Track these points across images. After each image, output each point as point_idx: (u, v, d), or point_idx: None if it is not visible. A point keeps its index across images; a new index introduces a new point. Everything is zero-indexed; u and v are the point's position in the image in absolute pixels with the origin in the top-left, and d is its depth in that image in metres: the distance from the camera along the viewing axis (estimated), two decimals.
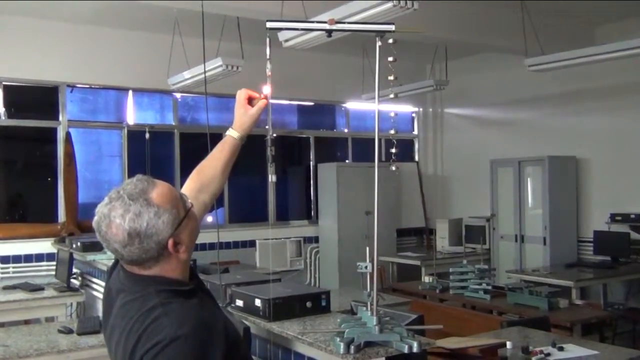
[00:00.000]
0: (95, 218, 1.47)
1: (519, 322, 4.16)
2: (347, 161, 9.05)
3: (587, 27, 7.33)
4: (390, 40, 2.33)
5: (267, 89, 2.00)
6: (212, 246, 7.27)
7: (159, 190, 1.49)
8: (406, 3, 4.16)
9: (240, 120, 1.97)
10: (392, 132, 2.65)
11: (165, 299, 1.42)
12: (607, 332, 5.36)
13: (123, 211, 1.43)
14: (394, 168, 2.70)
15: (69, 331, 3.78)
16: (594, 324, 4.98)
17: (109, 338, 1.53)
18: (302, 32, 4.58)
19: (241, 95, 1.98)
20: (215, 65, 5.86)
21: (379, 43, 2.36)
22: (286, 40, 5.03)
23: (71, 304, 5.59)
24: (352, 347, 2.33)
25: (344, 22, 2.37)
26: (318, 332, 2.61)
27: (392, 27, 2.26)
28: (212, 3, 5.01)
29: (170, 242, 1.46)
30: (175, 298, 1.44)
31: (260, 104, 1.96)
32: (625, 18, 6.98)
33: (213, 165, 1.95)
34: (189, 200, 1.58)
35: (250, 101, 1.97)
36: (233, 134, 1.97)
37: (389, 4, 4.14)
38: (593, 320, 4.92)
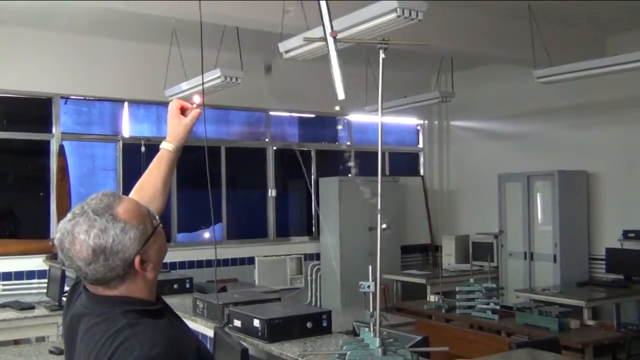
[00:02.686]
0: (58, 235, 1.42)
1: (528, 344, 4.07)
2: (349, 175, 8.90)
3: (598, 37, 7.28)
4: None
5: (197, 98, 1.98)
6: (209, 263, 7.21)
7: (125, 205, 1.45)
8: (411, 14, 4.12)
9: (175, 131, 1.94)
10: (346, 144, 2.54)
11: (134, 319, 1.38)
12: (620, 354, 5.30)
13: (87, 227, 1.38)
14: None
15: (61, 352, 3.64)
16: (607, 346, 4.94)
17: (76, 351, 1.45)
18: (303, 42, 4.48)
19: (173, 105, 1.95)
20: (213, 76, 5.81)
21: (382, 55, 2.34)
22: (287, 51, 4.94)
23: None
24: None
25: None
26: (319, 354, 2.62)
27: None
28: (211, 13, 4.98)
29: (137, 259, 1.41)
30: (143, 318, 1.40)
31: (194, 113, 1.94)
32: (638, 27, 6.91)
33: (152, 183, 1.90)
34: (157, 217, 1.53)
35: (184, 111, 1.95)
36: (168, 146, 1.93)
37: (393, 15, 4.10)
38: (605, 341, 4.91)
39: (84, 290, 1.48)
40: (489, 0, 5.95)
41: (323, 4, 2.90)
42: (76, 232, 1.38)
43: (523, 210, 7.71)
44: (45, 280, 6.01)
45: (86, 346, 1.40)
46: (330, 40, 2.78)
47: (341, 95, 2.75)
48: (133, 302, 1.43)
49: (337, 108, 2.80)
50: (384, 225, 2.33)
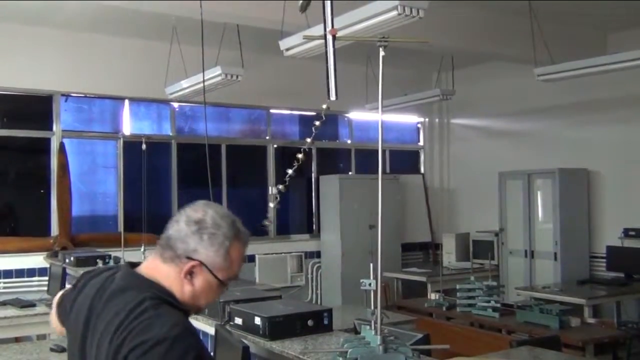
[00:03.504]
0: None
1: (528, 342, 4.09)
2: (350, 173, 8.90)
3: (599, 35, 7.27)
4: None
5: None
6: None
7: (242, 249, 1.59)
8: (411, 11, 4.11)
9: None
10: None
11: (158, 304, 1.46)
12: (620, 352, 5.29)
13: (215, 211, 1.56)
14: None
15: (62, 349, 3.66)
16: (607, 344, 4.95)
17: (91, 326, 1.53)
18: (303, 40, 4.45)
19: None
20: (214, 74, 5.81)
21: (382, 53, 2.31)
22: (287, 49, 4.92)
23: None
24: None
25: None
26: (320, 352, 2.58)
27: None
28: (211, 11, 4.94)
29: (193, 264, 1.52)
30: (167, 306, 1.48)
31: None
32: (639, 25, 6.88)
33: None
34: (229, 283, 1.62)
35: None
36: None
37: (394, 13, 4.09)
38: (606, 339, 4.90)
39: (126, 265, 1.61)
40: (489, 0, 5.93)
41: (327, 2, 2.88)
42: (210, 211, 1.57)
43: (524, 208, 7.69)
44: (46, 278, 5.99)
45: (109, 311, 1.48)
46: (329, 38, 2.77)
47: (333, 96, 2.74)
48: (166, 293, 1.51)
49: (325, 107, 2.78)
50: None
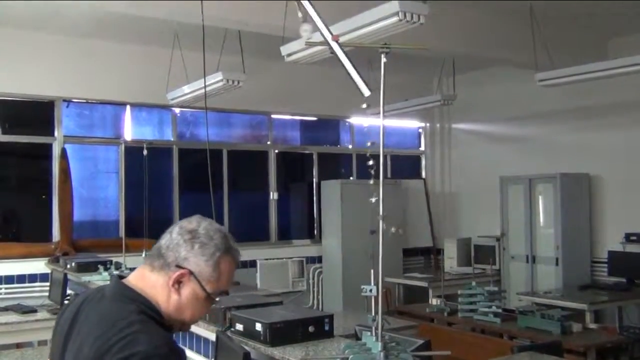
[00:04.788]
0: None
1: (530, 347, 4.06)
2: (351, 178, 8.89)
3: (599, 40, 7.26)
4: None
5: None
6: None
7: (232, 265, 1.60)
8: (412, 17, 4.11)
9: None
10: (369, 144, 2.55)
11: (146, 319, 1.46)
12: (622, 357, 5.22)
13: (208, 224, 1.58)
14: None
15: None
16: (609, 349, 4.89)
17: (75, 330, 1.53)
18: (305, 46, 4.48)
19: None
20: (215, 79, 5.82)
21: (384, 59, 2.35)
22: (289, 55, 4.92)
23: None
24: None
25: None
26: (321, 358, 2.58)
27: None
28: (213, 16, 4.95)
29: (181, 272, 1.51)
30: (154, 324, 1.47)
31: None
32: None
33: None
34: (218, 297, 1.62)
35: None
36: None
37: (395, 18, 4.10)
38: (608, 345, 4.87)
39: (116, 278, 1.59)
40: (490, 1, 5.92)
41: (314, 13, 2.89)
42: (202, 223, 1.59)
43: (525, 213, 7.68)
44: (48, 284, 5.97)
45: (92, 318, 1.48)
46: (334, 45, 2.78)
47: (366, 91, 2.75)
48: (150, 307, 1.50)
49: (364, 106, 2.78)
50: (393, 229, 2.32)
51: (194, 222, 1.58)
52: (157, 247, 1.56)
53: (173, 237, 1.55)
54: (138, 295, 1.51)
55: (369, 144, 2.67)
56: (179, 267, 1.52)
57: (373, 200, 2.48)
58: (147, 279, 1.55)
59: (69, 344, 1.52)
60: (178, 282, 1.52)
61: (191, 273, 1.52)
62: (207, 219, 1.61)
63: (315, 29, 3.06)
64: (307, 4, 2.90)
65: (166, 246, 1.54)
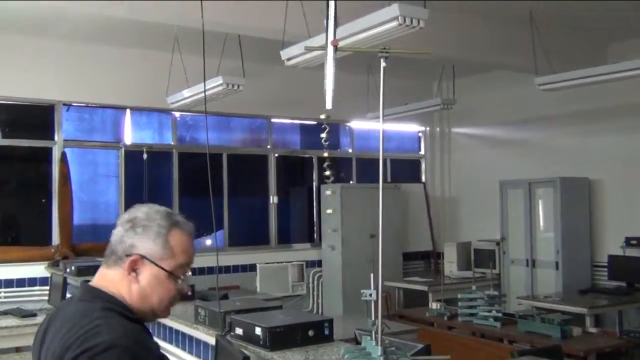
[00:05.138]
0: None
1: (530, 352, 4.07)
2: (351, 182, 8.89)
3: (599, 45, 7.25)
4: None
5: None
6: (211, 270, 7.17)
7: (184, 237, 1.59)
8: (412, 21, 4.10)
9: None
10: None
11: (110, 314, 1.47)
12: None
13: (147, 208, 1.59)
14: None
15: None
16: (609, 353, 4.89)
17: (48, 336, 1.55)
18: (305, 50, 4.49)
19: None
20: (215, 83, 5.81)
21: (383, 64, 2.31)
22: (288, 59, 4.92)
23: None
24: None
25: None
26: None
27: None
28: (213, 21, 4.95)
29: (132, 258, 1.52)
30: (118, 317, 1.48)
31: None
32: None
33: None
34: (186, 286, 1.61)
35: None
36: None
37: (395, 23, 4.08)
38: (608, 349, 4.86)
39: (83, 282, 1.63)
40: (490, 2, 5.91)
41: (331, 12, 2.90)
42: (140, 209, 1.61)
43: (525, 217, 7.67)
44: (47, 288, 6.00)
45: (61, 320, 1.50)
46: (330, 49, 2.78)
47: (329, 104, 2.76)
48: (114, 301, 1.52)
49: (323, 116, 2.79)
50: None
51: (132, 211, 1.60)
52: (108, 246, 1.59)
53: (117, 231, 1.57)
54: (102, 293, 1.53)
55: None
56: (129, 255, 1.53)
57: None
58: (106, 276, 1.56)
59: (42, 350, 1.54)
60: (133, 270, 1.53)
61: (142, 257, 1.53)
62: (147, 204, 1.62)
63: (323, 30, 3.07)
64: (332, 4, 2.90)
65: (114, 242, 1.56)
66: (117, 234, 1.57)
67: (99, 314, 1.45)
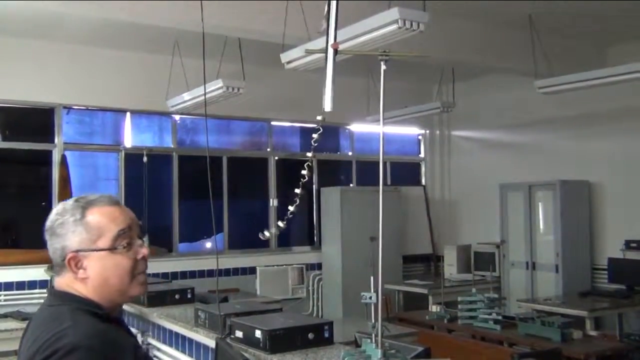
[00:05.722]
0: None
1: (530, 354, 4.14)
2: (351, 185, 8.89)
3: (599, 48, 7.26)
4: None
5: None
6: (210, 273, 7.19)
7: (104, 210, 1.57)
8: (412, 25, 4.11)
9: None
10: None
11: (78, 315, 1.47)
12: None
13: (56, 208, 1.58)
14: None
15: None
16: (609, 356, 4.87)
17: (22, 346, 1.56)
18: (305, 53, 4.49)
19: None
20: (215, 86, 5.81)
21: (383, 67, 2.32)
22: (288, 62, 4.93)
23: None
24: None
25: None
26: None
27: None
28: (213, 24, 4.96)
29: (68, 257, 1.52)
30: (86, 316, 1.49)
31: None
32: (639, 38, 6.89)
33: None
34: (142, 249, 1.61)
35: None
36: None
37: (395, 26, 4.09)
38: (608, 352, 4.83)
39: (50, 287, 1.63)
40: (490, 1, 5.91)
41: (332, 15, 2.90)
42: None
43: (525, 220, 7.66)
44: (47, 291, 6.03)
45: (32, 327, 1.52)
46: (330, 51, 2.78)
47: (328, 107, 2.75)
48: (81, 301, 1.53)
49: (319, 118, 2.80)
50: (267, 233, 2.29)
51: (48, 219, 1.59)
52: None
53: (48, 245, 1.57)
54: (69, 295, 1.54)
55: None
56: (64, 258, 1.53)
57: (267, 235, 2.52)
58: (61, 282, 1.57)
59: (19, 357, 1.55)
60: (78, 267, 1.53)
61: (76, 251, 1.53)
62: (59, 205, 1.62)
63: (324, 33, 3.07)
64: (333, 5, 2.90)
65: (50, 255, 1.57)
66: (48, 247, 1.57)
67: (68, 315, 1.46)
